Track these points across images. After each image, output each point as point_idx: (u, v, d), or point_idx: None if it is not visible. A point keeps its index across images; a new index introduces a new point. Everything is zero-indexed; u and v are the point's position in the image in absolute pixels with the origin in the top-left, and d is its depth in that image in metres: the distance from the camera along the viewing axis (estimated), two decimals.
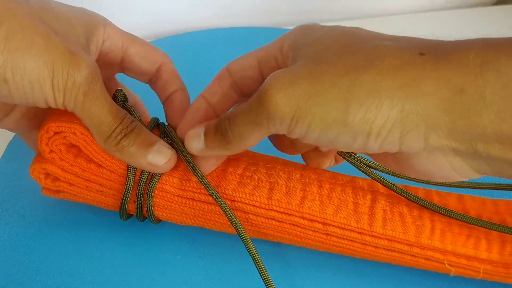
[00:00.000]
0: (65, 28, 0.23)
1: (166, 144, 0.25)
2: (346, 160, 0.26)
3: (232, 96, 0.26)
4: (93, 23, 0.25)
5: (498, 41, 0.18)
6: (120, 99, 0.27)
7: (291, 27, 0.54)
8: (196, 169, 0.25)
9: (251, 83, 0.25)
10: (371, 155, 0.23)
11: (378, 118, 0.18)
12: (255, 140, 0.22)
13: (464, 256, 0.26)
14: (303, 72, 0.19)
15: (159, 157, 0.25)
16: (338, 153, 0.26)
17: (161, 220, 0.29)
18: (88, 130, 0.25)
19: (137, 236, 0.30)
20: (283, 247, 0.30)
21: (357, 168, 0.26)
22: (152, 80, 0.29)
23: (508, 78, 0.17)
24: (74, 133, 0.25)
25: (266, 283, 0.24)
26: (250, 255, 0.24)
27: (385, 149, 0.19)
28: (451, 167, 0.20)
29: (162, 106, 0.29)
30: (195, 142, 0.24)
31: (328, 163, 0.28)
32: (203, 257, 0.29)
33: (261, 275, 0.24)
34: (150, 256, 0.29)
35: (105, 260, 0.29)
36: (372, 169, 0.27)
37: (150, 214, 0.27)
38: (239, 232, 0.24)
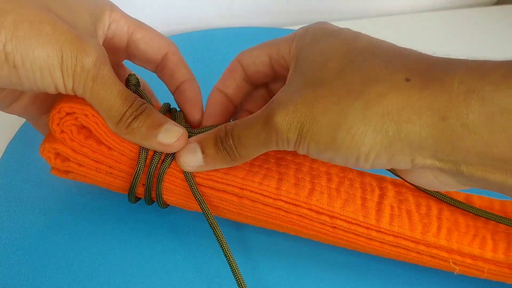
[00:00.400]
0: (72, 15, 0.23)
1: (175, 123, 0.25)
2: None
3: (246, 87, 0.28)
4: (99, 8, 0.25)
5: (483, 67, 0.18)
6: (133, 83, 0.27)
7: (291, 27, 0.54)
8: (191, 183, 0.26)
9: (262, 76, 0.27)
10: None
11: (365, 144, 0.20)
12: (259, 153, 0.24)
13: (469, 255, 0.26)
14: (302, 97, 0.21)
15: (169, 136, 0.25)
16: None
17: (168, 205, 0.29)
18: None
19: (141, 231, 0.30)
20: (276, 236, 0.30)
21: None
22: (159, 68, 0.29)
23: (491, 107, 0.17)
24: (86, 115, 0.25)
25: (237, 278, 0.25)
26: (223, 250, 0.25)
27: (378, 167, 0.21)
28: (439, 182, 0.21)
29: (171, 95, 0.29)
30: (192, 161, 0.25)
31: None
32: (204, 252, 0.29)
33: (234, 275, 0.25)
34: (153, 253, 0.29)
35: (106, 258, 0.29)
36: None
37: (159, 198, 0.28)
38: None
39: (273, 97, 0.22)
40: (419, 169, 0.21)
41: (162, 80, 0.30)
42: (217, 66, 0.44)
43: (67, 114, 0.25)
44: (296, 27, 0.53)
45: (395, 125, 0.19)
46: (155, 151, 0.26)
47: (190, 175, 0.26)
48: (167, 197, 0.28)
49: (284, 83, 0.24)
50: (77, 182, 0.29)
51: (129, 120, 0.24)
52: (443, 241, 0.25)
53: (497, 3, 0.60)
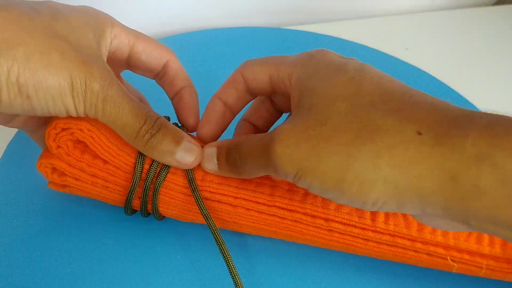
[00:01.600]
0: (77, 36, 0.23)
1: (192, 139, 0.26)
2: None
3: (247, 98, 0.28)
4: (101, 25, 0.26)
5: (497, 129, 0.18)
6: None
7: (291, 27, 0.54)
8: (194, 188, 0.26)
9: (263, 91, 0.27)
10: None
11: (373, 192, 0.19)
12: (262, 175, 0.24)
13: (466, 251, 0.26)
14: (306, 134, 0.20)
15: (188, 156, 0.25)
16: None
17: (164, 217, 0.29)
18: (94, 126, 0.25)
19: (139, 235, 0.30)
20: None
21: None
22: (159, 76, 0.30)
23: (503, 174, 0.17)
24: (81, 130, 0.25)
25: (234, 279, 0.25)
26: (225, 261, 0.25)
27: (385, 211, 0.21)
28: (449, 226, 0.21)
29: (170, 102, 0.30)
30: (210, 165, 0.26)
31: None
32: (202, 256, 0.29)
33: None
34: (151, 256, 0.29)
35: (106, 260, 0.29)
36: None
37: (155, 210, 0.28)
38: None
39: (278, 126, 0.22)
40: (425, 220, 0.21)
41: (161, 86, 0.30)
42: (216, 66, 0.45)
43: (63, 129, 0.25)
44: (296, 27, 0.53)
45: (406, 178, 0.19)
46: (150, 165, 0.26)
47: (195, 188, 0.26)
48: (163, 209, 0.28)
49: (285, 97, 0.24)
50: None
51: (146, 138, 0.24)
52: (440, 238, 0.25)
53: (497, 3, 0.60)
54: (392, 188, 0.19)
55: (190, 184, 0.26)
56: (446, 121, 0.19)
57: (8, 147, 0.35)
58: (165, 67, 0.29)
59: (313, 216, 0.26)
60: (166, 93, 0.30)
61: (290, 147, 0.21)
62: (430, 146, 0.18)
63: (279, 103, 0.28)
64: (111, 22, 0.27)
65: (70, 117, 0.25)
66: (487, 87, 0.46)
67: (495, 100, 0.44)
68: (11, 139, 0.36)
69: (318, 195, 0.22)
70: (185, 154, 0.25)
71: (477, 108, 0.41)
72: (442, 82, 0.44)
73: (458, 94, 0.43)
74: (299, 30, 0.50)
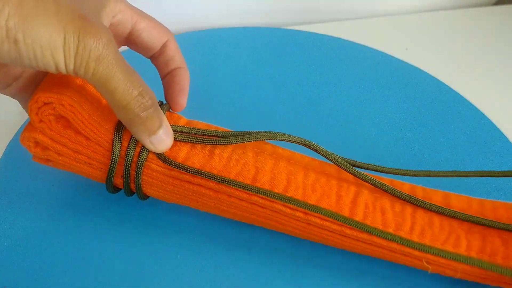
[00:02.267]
0: None
1: (169, 127, 0.26)
2: (328, 159, 0.27)
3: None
4: None
5: None
6: None
7: (291, 27, 0.54)
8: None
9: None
10: None
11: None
12: None
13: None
14: None
15: (164, 142, 0.26)
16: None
17: (148, 196, 0.29)
18: (76, 102, 0.25)
19: (136, 230, 0.30)
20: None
21: (340, 167, 0.27)
22: (155, 55, 0.30)
23: None
24: (63, 105, 0.25)
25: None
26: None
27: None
28: None
29: (161, 81, 0.30)
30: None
31: None
32: (201, 251, 0.29)
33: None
34: (150, 252, 0.29)
35: (106, 258, 0.29)
36: (356, 168, 0.28)
37: (139, 190, 0.28)
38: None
39: None
40: None
41: (155, 65, 0.30)
42: (217, 66, 0.45)
43: (45, 104, 0.25)
44: (296, 27, 0.53)
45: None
46: (128, 142, 0.26)
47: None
48: (146, 189, 0.28)
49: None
50: (75, 180, 0.29)
51: (137, 110, 0.24)
52: (416, 238, 0.25)
53: (497, 3, 0.60)
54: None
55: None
56: None
57: (8, 147, 0.35)
58: (163, 47, 0.29)
59: (292, 209, 0.26)
60: (158, 72, 0.30)
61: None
62: None
63: None
64: None
65: (52, 90, 0.24)
66: (487, 87, 0.46)
67: (495, 100, 0.44)
68: (11, 138, 0.36)
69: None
70: (161, 139, 0.25)
71: (476, 108, 0.42)
72: (442, 82, 0.44)
73: (458, 94, 0.43)
74: (299, 30, 0.50)
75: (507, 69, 0.49)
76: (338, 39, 0.49)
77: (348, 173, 0.28)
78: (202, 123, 0.29)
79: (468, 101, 0.42)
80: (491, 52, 0.51)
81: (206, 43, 0.48)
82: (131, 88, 0.23)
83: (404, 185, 0.28)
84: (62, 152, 0.27)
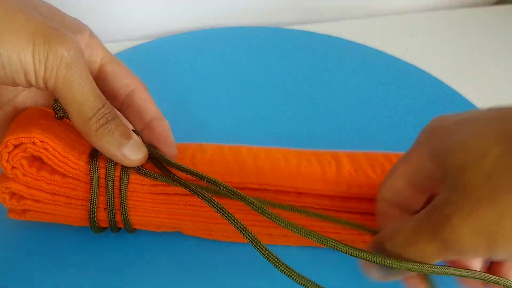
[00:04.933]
0: (52, 13, 0.23)
1: (139, 139, 0.26)
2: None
3: (407, 217, 0.23)
4: (80, 27, 0.26)
5: None
6: (58, 108, 0.26)
7: (291, 27, 0.54)
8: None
9: (414, 201, 0.23)
10: None
11: None
12: None
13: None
14: (478, 199, 0.18)
15: (135, 152, 0.25)
16: None
17: (136, 229, 0.29)
18: (48, 138, 0.24)
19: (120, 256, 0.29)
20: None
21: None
22: (124, 106, 0.27)
23: None
24: (34, 143, 0.24)
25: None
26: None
27: None
28: None
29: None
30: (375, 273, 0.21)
31: None
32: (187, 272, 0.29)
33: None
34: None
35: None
36: None
37: (125, 219, 0.27)
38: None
39: (440, 200, 0.19)
40: None
41: (127, 118, 0.28)
42: (217, 66, 0.45)
43: (15, 147, 0.24)
44: (296, 27, 0.53)
45: None
46: (107, 168, 0.25)
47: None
48: (133, 216, 0.27)
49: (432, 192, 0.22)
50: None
51: (101, 122, 0.23)
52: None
53: (497, 3, 0.60)
54: None
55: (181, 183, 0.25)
56: None
57: None
58: (130, 95, 0.27)
59: (285, 192, 0.27)
60: (133, 125, 0.28)
61: (468, 225, 0.18)
62: None
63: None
64: (91, 32, 0.26)
65: (20, 130, 0.24)
66: (487, 87, 0.46)
67: (495, 100, 0.44)
68: None
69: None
70: (133, 150, 0.25)
71: (476, 108, 0.41)
72: (442, 82, 0.44)
73: (458, 94, 0.43)
74: (299, 30, 0.50)
75: (507, 68, 0.49)
76: (338, 39, 0.49)
77: (324, 153, 0.29)
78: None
79: (468, 101, 0.42)
80: (491, 52, 0.51)
81: (206, 43, 0.48)
82: (98, 100, 0.23)
83: (378, 153, 0.30)
84: (39, 197, 0.26)
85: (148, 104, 0.27)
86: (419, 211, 0.21)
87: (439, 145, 0.20)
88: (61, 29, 0.22)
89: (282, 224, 0.21)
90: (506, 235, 0.17)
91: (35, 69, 0.21)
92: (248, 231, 0.22)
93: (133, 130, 0.27)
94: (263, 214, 0.22)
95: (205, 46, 0.47)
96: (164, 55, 0.46)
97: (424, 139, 0.22)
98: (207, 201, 0.23)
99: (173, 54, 0.46)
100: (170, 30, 0.51)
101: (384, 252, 0.20)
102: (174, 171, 0.26)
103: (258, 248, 0.21)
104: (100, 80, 0.27)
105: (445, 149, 0.20)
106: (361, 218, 0.27)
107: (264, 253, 0.21)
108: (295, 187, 0.27)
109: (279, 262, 0.21)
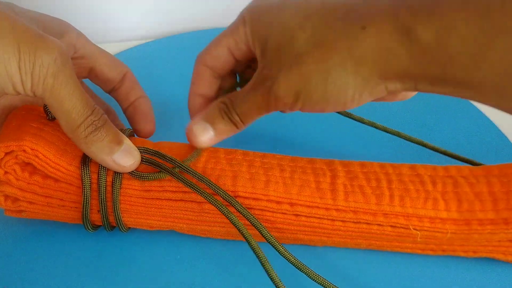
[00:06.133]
0: (39, 20, 0.23)
1: (131, 143, 0.25)
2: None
3: (217, 82, 0.30)
4: (66, 28, 0.26)
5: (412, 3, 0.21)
6: (48, 111, 0.26)
7: None
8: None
9: (226, 67, 0.29)
10: None
11: (349, 89, 0.23)
12: (259, 116, 0.26)
13: (426, 217, 0.27)
14: (290, 69, 0.24)
15: (127, 158, 0.25)
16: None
17: (130, 228, 0.29)
18: (37, 144, 0.24)
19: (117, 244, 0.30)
20: None
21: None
22: (115, 88, 0.31)
23: (443, 24, 0.20)
24: (24, 151, 0.24)
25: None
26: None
27: (362, 103, 0.24)
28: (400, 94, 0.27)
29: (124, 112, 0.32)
30: (206, 135, 0.27)
31: None
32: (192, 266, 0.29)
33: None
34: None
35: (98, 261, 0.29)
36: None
37: (119, 221, 0.27)
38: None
39: (264, 73, 0.25)
40: (388, 98, 0.26)
41: (116, 98, 0.31)
42: None
43: (6, 154, 0.24)
44: None
45: (367, 66, 0.22)
46: (99, 174, 0.25)
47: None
48: (126, 218, 0.27)
49: (250, 66, 0.28)
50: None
51: (89, 129, 0.23)
52: (398, 208, 0.27)
53: None
54: (361, 79, 0.23)
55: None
56: (383, 10, 0.22)
57: None
58: (122, 79, 0.30)
59: (278, 203, 0.26)
60: (120, 104, 0.31)
61: (285, 83, 0.24)
62: (375, 34, 0.22)
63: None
64: (78, 32, 0.27)
65: (10, 138, 0.24)
66: None
67: None
68: None
69: (309, 111, 0.25)
70: (124, 156, 0.25)
71: (476, 108, 0.41)
72: None
73: None
74: None
75: None
76: None
77: (320, 162, 0.29)
78: (168, 144, 0.28)
79: (468, 101, 0.42)
80: None
81: (206, 43, 0.47)
82: (86, 107, 0.23)
83: (373, 163, 0.29)
84: (33, 200, 0.26)
85: (135, 86, 0.31)
86: (227, 74, 0.29)
87: (260, 25, 0.25)
88: (46, 35, 0.21)
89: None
90: (309, 94, 0.24)
91: (22, 80, 0.21)
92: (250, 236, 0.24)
93: (124, 130, 0.27)
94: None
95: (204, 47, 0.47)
96: (163, 55, 0.46)
97: (248, 17, 0.26)
98: (208, 198, 0.25)
99: (173, 55, 0.46)
100: (170, 30, 0.51)
101: (225, 109, 0.26)
102: (169, 165, 0.26)
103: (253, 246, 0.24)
104: (96, 71, 0.29)
105: (265, 31, 0.25)
106: (355, 227, 0.27)
107: (278, 248, 0.25)
108: (288, 198, 0.26)
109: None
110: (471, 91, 0.21)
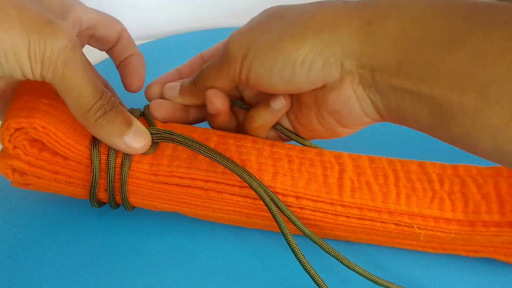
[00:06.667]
0: (43, 3, 0.23)
1: (141, 125, 0.25)
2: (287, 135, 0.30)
3: (199, 64, 0.32)
4: (70, 3, 0.26)
5: None
6: None
7: None
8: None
9: None
10: (300, 96, 0.27)
11: (303, 47, 0.23)
12: (219, 85, 0.27)
13: (431, 217, 0.27)
14: (253, 27, 0.25)
15: (137, 140, 0.25)
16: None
17: (135, 207, 0.29)
18: (48, 123, 0.24)
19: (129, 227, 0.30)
20: None
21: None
22: (111, 47, 0.31)
23: (406, 13, 0.21)
24: (35, 128, 0.24)
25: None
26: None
27: (312, 80, 0.24)
28: (358, 103, 0.24)
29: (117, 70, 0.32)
30: (171, 91, 0.29)
31: (273, 120, 0.29)
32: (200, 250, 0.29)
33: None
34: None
35: (102, 256, 0.29)
36: None
37: (125, 201, 0.27)
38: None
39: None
40: (343, 84, 0.24)
41: (110, 55, 0.32)
42: None
43: (16, 130, 0.24)
44: None
45: (330, 30, 0.22)
46: (108, 155, 0.25)
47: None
48: (132, 199, 0.28)
49: None
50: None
51: (98, 113, 0.23)
52: (404, 206, 0.27)
53: None
54: (319, 41, 0.23)
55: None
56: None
57: None
58: (118, 38, 0.31)
59: (284, 195, 0.26)
60: (114, 60, 0.32)
61: (238, 40, 0.25)
62: (354, 6, 0.23)
63: None
64: (80, 4, 0.27)
65: (22, 115, 0.24)
66: None
67: None
68: None
69: (256, 83, 0.25)
70: (134, 138, 0.25)
71: None
72: None
73: None
74: None
75: None
76: None
77: (329, 154, 0.29)
78: (179, 126, 0.29)
79: None
80: None
81: (206, 43, 0.47)
82: (95, 92, 0.23)
83: (382, 159, 0.29)
84: (41, 175, 0.26)
85: (130, 43, 0.31)
86: None
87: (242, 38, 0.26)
88: (55, 20, 0.21)
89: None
90: (257, 53, 0.24)
91: (31, 68, 0.21)
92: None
93: (134, 110, 0.28)
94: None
95: (206, 47, 0.47)
96: (164, 55, 0.46)
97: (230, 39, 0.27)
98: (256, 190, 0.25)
99: (174, 54, 0.46)
100: (171, 30, 0.51)
101: (195, 81, 0.28)
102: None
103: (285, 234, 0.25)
104: (95, 35, 0.29)
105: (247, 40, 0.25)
106: (359, 223, 0.27)
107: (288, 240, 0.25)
108: (295, 191, 0.26)
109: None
110: (434, 84, 0.21)
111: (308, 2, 0.25)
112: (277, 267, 0.29)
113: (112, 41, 0.30)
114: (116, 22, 0.30)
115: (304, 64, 0.23)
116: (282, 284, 0.28)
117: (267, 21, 0.25)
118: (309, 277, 0.25)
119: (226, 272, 0.29)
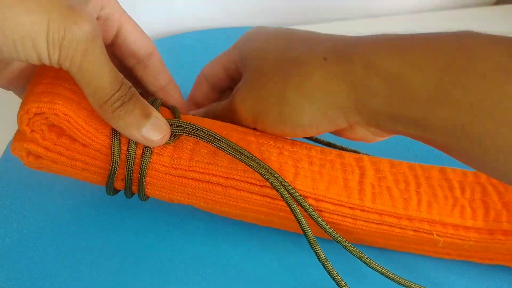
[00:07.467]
0: None
1: (161, 116, 0.25)
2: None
3: (213, 95, 0.33)
4: None
5: (376, 42, 0.23)
6: None
7: (291, 27, 0.54)
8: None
9: (223, 83, 0.32)
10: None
11: (305, 115, 0.24)
12: None
13: (451, 225, 0.27)
14: (252, 87, 0.26)
15: (155, 132, 0.24)
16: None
17: (149, 197, 0.29)
18: (70, 110, 0.23)
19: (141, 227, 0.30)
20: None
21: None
22: (140, 66, 0.29)
23: (385, 72, 0.21)
24: (56, 114, 0.23)
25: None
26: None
27: (324, 131, 0.25)
28: (371, 134, 0.27)
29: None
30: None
31: None
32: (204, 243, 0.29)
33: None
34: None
35: (106, 252, 0.29)
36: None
37: (141, 192, 0.27)
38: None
39: (233, 90, 0.27)
40: (354, 127, 0.25)
41: (141, 78, 0.30)
42: None
43: (36, 114, 0.23)
44: (297, 27, 0.53)
45: (324, 94, 0.23)
46: (128, 146, 0.25)
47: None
48: (149, 190, 0.27)
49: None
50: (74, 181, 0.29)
51: (116, 105, 0.23)
52: (425, 214, 0.26)
53: (497, 3, 0.60)
54: (318, 106, 0.24)
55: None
56: (347, 46, 0.23)
57: (8, 147, 0.35)
58: (149, 58, 0.29)
59: (303, 197, 0.26)
60: (146, 85, 0.30)
61: (244, 100, 0.26)
62: (335, 66, 0.23)
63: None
64: None
65: (43, 100, 0.23)
66: None
67: None
68: (11, 139, 0.36)
69: (274, 133, 0.27)
70: (153, 130, 0.24)
71: None
72: None
73: None
74: None
75: None
76: None
77: (349, 156, 0.29)
78: (198, 119, 0.28)
79: None
80: None
81: (206, 43, 0.48)
82: (114, 83, 0.22)
83: (403, 163, 0.29)
84: (57, 160, 0.26)
85: (164, 69, 0.30)
86: (222, 88, 0.33)
87: (246, 49, 0.28)
88: (76, 7, 0.20)
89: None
90: (266, 113, 0.25)
91: (49, 54, 0.20)
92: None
93: (155, 99, 0.27)
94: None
95: (207, 47, 0.47)
96: (165, 55, 0.45)
97: (241, 43, 0.29)
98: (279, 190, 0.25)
99: (173, 55, 0.46)
100: (172, 30, 0.51)
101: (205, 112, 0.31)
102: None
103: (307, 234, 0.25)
104: (120, 38, 0.27)
105: (249, 54, 0.28)
106: (377, 227, 0.27)
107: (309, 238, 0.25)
108: (315, 194, 0.26)
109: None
110: (432, 132, 0.21)
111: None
112: (288, 265, 0.29)
113: (137, 55, 0.28)
114: (148, 39, 0.29)
115: (311, 127, 0.25)
116: (294, 283, 0.28)
117: (260, 82, 0.26)
118: (328, 278, 0.25)
119: (233, 272, 0.29)
